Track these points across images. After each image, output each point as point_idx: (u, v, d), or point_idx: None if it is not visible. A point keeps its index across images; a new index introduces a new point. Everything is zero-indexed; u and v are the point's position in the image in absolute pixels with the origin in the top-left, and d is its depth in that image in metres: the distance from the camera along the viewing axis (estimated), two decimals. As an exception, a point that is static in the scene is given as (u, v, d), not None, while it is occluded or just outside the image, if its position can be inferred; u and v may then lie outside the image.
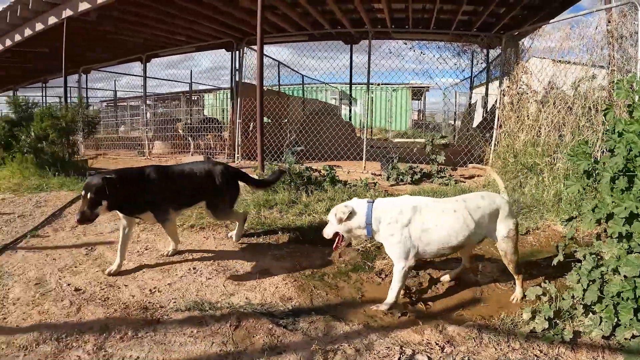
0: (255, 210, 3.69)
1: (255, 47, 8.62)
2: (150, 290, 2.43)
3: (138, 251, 3.04)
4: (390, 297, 2.07)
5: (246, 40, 9.02)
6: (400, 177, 4.94)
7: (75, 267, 2.92)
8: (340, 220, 2.17)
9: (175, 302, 2.25)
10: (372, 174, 5.30)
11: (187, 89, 15.25)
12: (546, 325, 1.84)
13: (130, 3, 7.13)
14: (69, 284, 2.69)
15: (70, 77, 14.98)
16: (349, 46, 9.85)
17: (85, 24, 8.16)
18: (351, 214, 2.16)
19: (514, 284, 2.24)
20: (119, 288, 2.49)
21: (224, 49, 10.30)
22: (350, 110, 12.06)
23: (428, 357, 1.62)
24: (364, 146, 6.03)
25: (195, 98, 15.89)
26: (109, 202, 2.51)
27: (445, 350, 1.67)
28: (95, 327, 2.12)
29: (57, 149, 7.32)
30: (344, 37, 9.33)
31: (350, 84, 10.18)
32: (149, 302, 2.27)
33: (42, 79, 15.91)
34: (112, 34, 9.30)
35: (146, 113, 10.56)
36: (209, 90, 16.07)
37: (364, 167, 5.84)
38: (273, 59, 9.67)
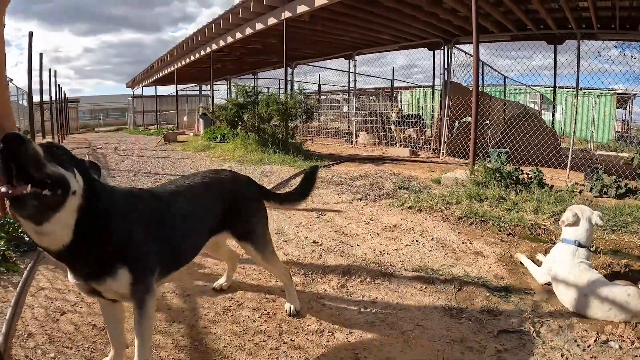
0: (467, 200, 4.16)
1: (461, 47, 8.68)
2: (380, 252, 3.01)
3: (365, 221, 3.78)
4: None
5: (454, 40, 9.06)
6: (604, 189, 4.76)
7: (310, 225, 3.62)
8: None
9: (402, 263, 2.79)
10: (575, 182, 5.09)
11: (384, 85, 15.92)
12: None
13: (341, 5, 7.81)
14: (306, 237, 3.29)
15: (276, 70, 17.44)
16: (543, 45, 8.91)
17: (299, 24, 9.30)
18: None
19: None
20: (352, 247, 3.11)
21: (426, 48, 10.56)
22: (552, 117, 10.94)
23: (620, 346, 1.83)
24: (570, 154, 5.74)
25: (395, 94, 16.55)
26: None
27: (634, 344, 1.84)
28: (337, 271, 2.65)
29: (277, 130, 8.62)
30: (548, 37, 8.51)
31: (555, 87, 9.35)
32: (381, 260, 2.84)
33: (252, 71, 18.84)
34: (321, 33, 10.35)
35: (353, 106, 11.59)
36: (406, 88, 16.52)
37: (567, 175, 5.69)
38: (478, 59, 9.58)
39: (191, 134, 15.79)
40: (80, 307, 2.14)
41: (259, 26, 9.68)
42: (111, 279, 1.34)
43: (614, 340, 1.90)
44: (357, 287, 2.47)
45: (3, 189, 1.06)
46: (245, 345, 1.83)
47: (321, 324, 2.03)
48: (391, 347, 1.83)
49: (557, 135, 8.28)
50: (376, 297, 2.34)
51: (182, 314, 2.12)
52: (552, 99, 10.62)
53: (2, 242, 2.76)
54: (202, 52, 13.85)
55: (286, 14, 8.62)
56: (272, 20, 9.16)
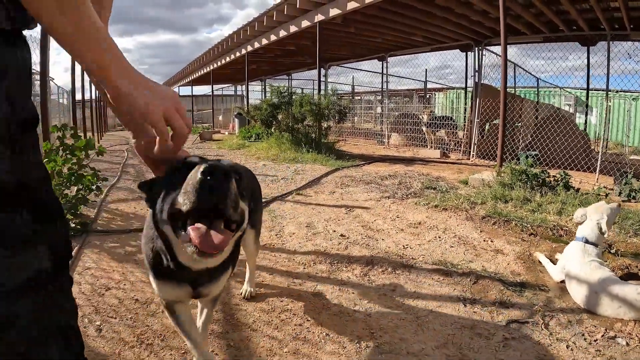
0: (492, 201, 4.24)
1: (491, 49, 8.60)
2: (403, 246, 3.18)
3: (391, 217, 3.94)
4: None
5: (485, 42, 9.00)
6: (633, 193, 4.72)
7: (338, 220, 3.82)
8: None
9: (423, 257, 2.95)
10: (603, 187, 5.04)
11: (417, 86, 15.86)
12: None
13: (373, 8, 7.94)
14: (334, 230, 3.49)
15: (311, 71, 17.58)
16: (581, 46, 8.71)
17: (332, 27, 9.45)
18: None
19: None
20: (377, 240, 3.29)
21: (458, 50, 10.52)
22: (585, 120, 10.60)
23: (627, 342, 1.90)
24: (599, 158, 5.68)
25: (428, 96, 16.45)
26: None
27: None
28: (361, 261, 2.84)
29: (311, 130, 8.79)
30: (580, 38, 8.32)
31: (588, 89, 9.07)
32: (403, 254, 3.00)
33: (286, 72, 19.08)
34: (354, 35, 10.47)
35: (385, 107, 11.70)
36: (440, 89, 16.40)
37: (597, 179, 5.65)
38: (509, 60, 9.46)
39: (226, 133, 16.33)
40: (124, 285, 2.42)
41: (293, 29, 9.95)
42: (222, 278, 1.30)
43: (621, 337, 1.96)
44: (379, 276, 2.65)
45: (213, 235, 0.91)
46: (272, 320, 2.06)
47: (342, 306, 2.23)
48: (405, 329, 2.01)
49: (588, 139, 8.11)
50: (395, 286, 2.52)
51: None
52: (587, 101, 10.32)
53: None
54: (238, 54, 14.29)
55: (319, 17, 8.84)
56: (305, 23, 9.40)
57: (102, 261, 2.79)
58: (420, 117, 10.18)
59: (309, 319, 2.08)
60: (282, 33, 10.55)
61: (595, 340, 1.95)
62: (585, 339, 1.96)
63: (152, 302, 2.20)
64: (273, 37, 11.14)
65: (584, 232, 2.55)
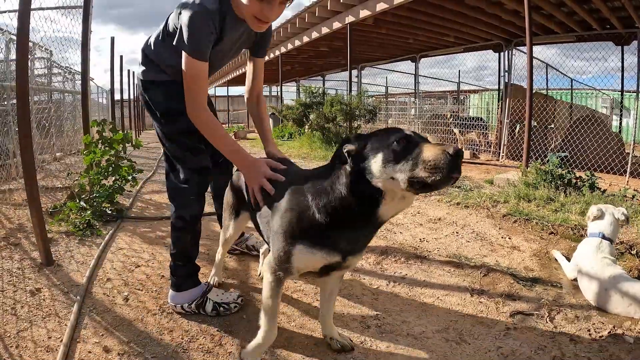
0: (515, 200, 4.21)
1: (522, 49, 8.40)
2: (420, 239, 3.25)
3: (412, 213, 4.00)
4: None
5: (514, 42, 8.83)
6: None
7: None
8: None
9: (438, 250, 3.01)
10: (634, 190, 4.86)
11: (452, 87, 15.61)
12: None
13: (403, 9, 7.98)
14: None
15: (344, 73, 17.58)
16: (610, 46, 8.36)
17: (362, 28, 9.50)
18: None
19: None
20: (395, 233, 3.38)
21: (491, 50, 10.33)
22: (620, 123, 10.10)
23: (634, 340, 1.88)
24: (630, 160, 5.49)
25: (462, 98, 16.12)
26: None
27: None
28: (376, 250, 2.93)
29: (341, 129, 8.90)
30: (614, 37, 7.98)
31: (622, 90, 8.69)
32: (418, 246, 3.08)
33: (320, 73, 19.14)
34: (385, 36, 10.49)
35: (417, 109, 11.68)
36: (475, 91, 16.08)
37: (627, 181, 5.52)
38: (541, 60, 9.18)
39: (259, 131, 16.67)
40: (152, 263, 2.63)
41: (325, 30, 10.11)
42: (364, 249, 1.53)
43: (629, 335, 1.94)
44: (391, 265, 2.75)
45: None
46: (285, 298, 2.20)
47: (352, 289, 2.35)
48: (409, 314, 2.10)
49: (622, 141, 7.78)
50: (406, 274, 2.60)
51: (236, 272, 2.55)
52: (624, 103, 9.84)
53: (89, 213, 3.39)
54: (272, 55, 14.60)
55: (350, 19, 8.95)
56: (336, 25, 9.53)
57: (134, 243, 3.02)
58: (446, 116, 10.09)
59: (319, 299, 2.20)
60: (314, 35, 10.73)
61: (600, 337, 1.94)
62: (590, 335, 1.96)
63: (176, 279, 2.40)
64: (305, 39, 11.35)
65: (601, 227, 2.53)
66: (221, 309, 1.98)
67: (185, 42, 1.63)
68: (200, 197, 2.01)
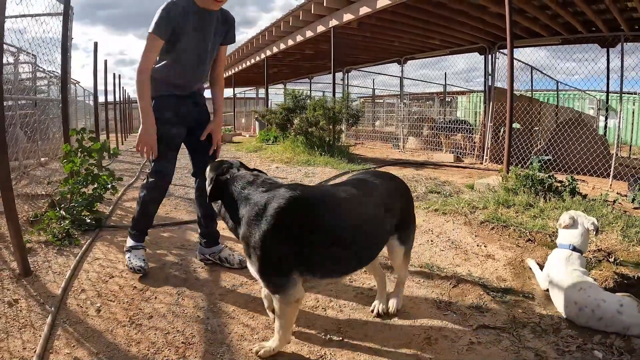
0: (494, 206, 4.16)
1: (505, 51, 8.42)
2: None
3: None
4: None
5: (498, 45, 8.89)
6: None
7: None
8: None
9: (410, 260, 2.98)
10: (617, 193, 4.85)
11: (441, 89, 15.67)
12: None
13: (387, 12, 7.98)
14: None
15: (330, 75, 17.53)
16: (595, 48, 8.47)
17: (347, 31, 9.54)
18: None
19: None
20: None
21: (477, 53, 10.39)
22: (605, 124, 10.23)
23: (603, 356, 1.82)
24: (612, 163, 5.50)
25: (449, 99, 16.14)
26: None
27: (622, 357, 1.82)
28: None
29: (324, 133, 8.86)
30: (599, 40, 8.08)
31: (607, 92, 8.79)
32: None
33: (308, 76, 19.16)
34: (370, 39, 10.54)
35: (402, 111, 11.64)
36: (462, 93, 16.13)
37: (610, 185, 5.49)
38: (525, 63, 9.21)
39: (247, 135, 16.62)
40: (126, 274, 2.59)
41: (309, 34, 10.16)
42: None
43: (599, 349, 1.88)
44: (360, 276, 2.68)
45: None
46: (249, 310, 2.13)
47: (318, 301, 2.29)
48: (372, 327, 2.03)
49: (607, 143, 7.82)
50: (374, 285, 2.51)
51: (206, 283, 2.47)
52: (612, 105, 9.92)
53: (67, 222, 3.30)
54: (258, 58, 14.56)
55: (334, 22, 8.99)
56: (320, 28, 9.59)
57: (110, 253, 2.97)
58: (430, 118, 10.07)
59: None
60: (299, 38, 10.78)
61: (568, 351, 1.87)
62: (558, 349, 1.89)
63: (147, 290, 2.39)
64: (290, 42, 11.37)
65: (572, 239, 2.48)
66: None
67: (151, 24, 2.25)
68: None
